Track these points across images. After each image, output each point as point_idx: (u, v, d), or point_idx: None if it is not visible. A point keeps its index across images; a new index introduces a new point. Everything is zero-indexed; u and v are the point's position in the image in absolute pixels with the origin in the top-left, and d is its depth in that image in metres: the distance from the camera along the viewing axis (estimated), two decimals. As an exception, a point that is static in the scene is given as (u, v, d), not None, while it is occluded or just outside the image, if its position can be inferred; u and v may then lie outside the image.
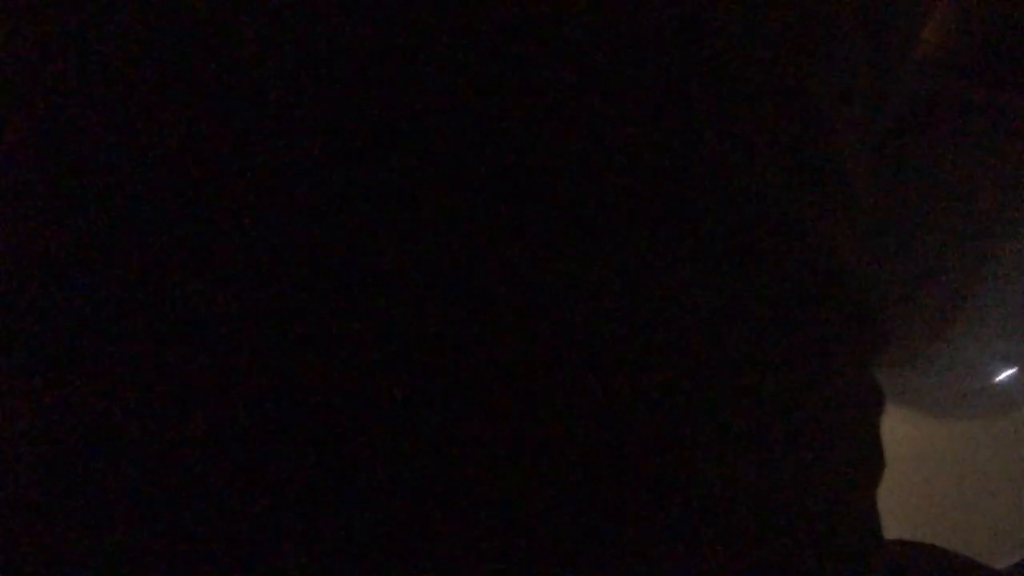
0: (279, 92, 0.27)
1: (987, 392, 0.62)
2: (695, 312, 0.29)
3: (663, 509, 0.28)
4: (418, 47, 0.27)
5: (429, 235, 0.27)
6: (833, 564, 0.32)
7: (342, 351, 0.27)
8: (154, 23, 0.27)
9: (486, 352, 0.27)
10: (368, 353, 0.27)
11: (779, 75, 0.30)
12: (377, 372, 0.27)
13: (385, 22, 0.27)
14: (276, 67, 0.27)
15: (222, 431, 0.27)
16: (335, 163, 0.27)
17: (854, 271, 0.33)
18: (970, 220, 0.51)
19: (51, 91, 0.28)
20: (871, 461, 0.35)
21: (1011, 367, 0.62)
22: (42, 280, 0.28)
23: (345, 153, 0.27)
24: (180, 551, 0.27)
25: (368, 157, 0.27)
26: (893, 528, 0.36)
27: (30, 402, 0.28)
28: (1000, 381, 0.63)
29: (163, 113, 0.27)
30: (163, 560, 0.27)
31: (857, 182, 0.33)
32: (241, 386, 0.27)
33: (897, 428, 0.56)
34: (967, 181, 0.49)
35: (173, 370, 0.27)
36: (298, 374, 0.27)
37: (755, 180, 0.30)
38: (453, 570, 0.27)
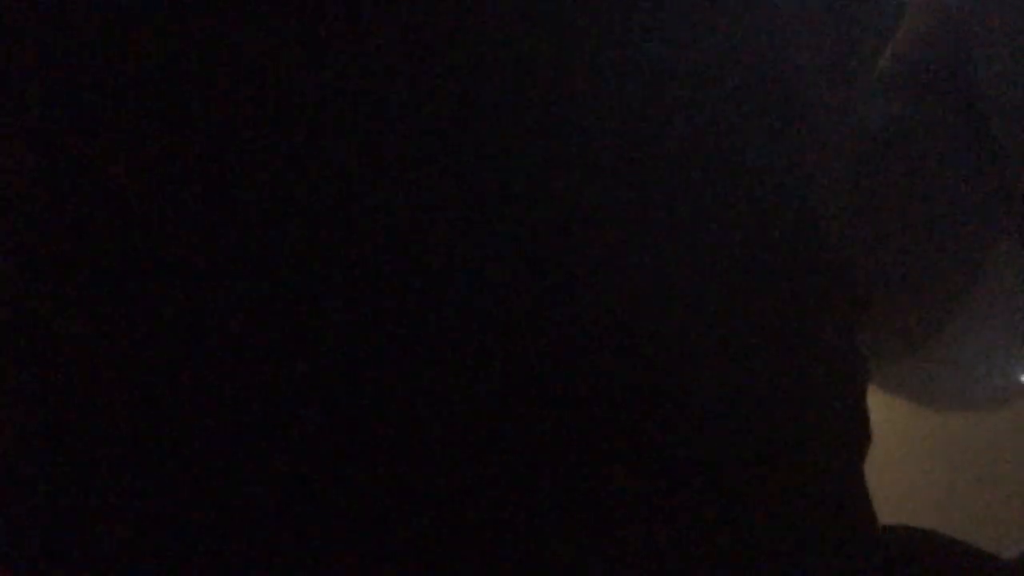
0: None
1: (985, 394, 0.62)
2: (671, 270, 0.29)
3: (641, 483, 0.28)
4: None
5: (426, 232, 0.27)
6: (823, 535, 0.32)
7: (335, 353, 0.27)
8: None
9: (481, 346, 0.27)
10: (369, 353, 0.27)
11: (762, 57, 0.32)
12: (377, 374, 0.27)
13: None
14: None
15: (215, 434, 0.27)
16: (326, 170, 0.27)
17: (829, 227, 0.33)
18: (968, 221, 0.51)
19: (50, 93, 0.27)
20: (856, 430, 0.35)
21: (992, 356, 0.62)
22: (44, 278, 0.28)
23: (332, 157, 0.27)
24: (179, 554, 0.27)
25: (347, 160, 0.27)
26: (893, 519, 0.36)
27: (27, 403, 0.28)
28: (997, 386, 0.63)
29: (160, 114, 0.27)
30: (160, 563, 0.27)
31: (826, 129, 0.34)
32: (234, 388, 0.27)
33: (898, 419, 0.56)
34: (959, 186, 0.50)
35: (168, 371, 0.27)
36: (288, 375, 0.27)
37: (733, 130, 0.30)
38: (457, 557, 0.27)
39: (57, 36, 0.27)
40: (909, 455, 0.57)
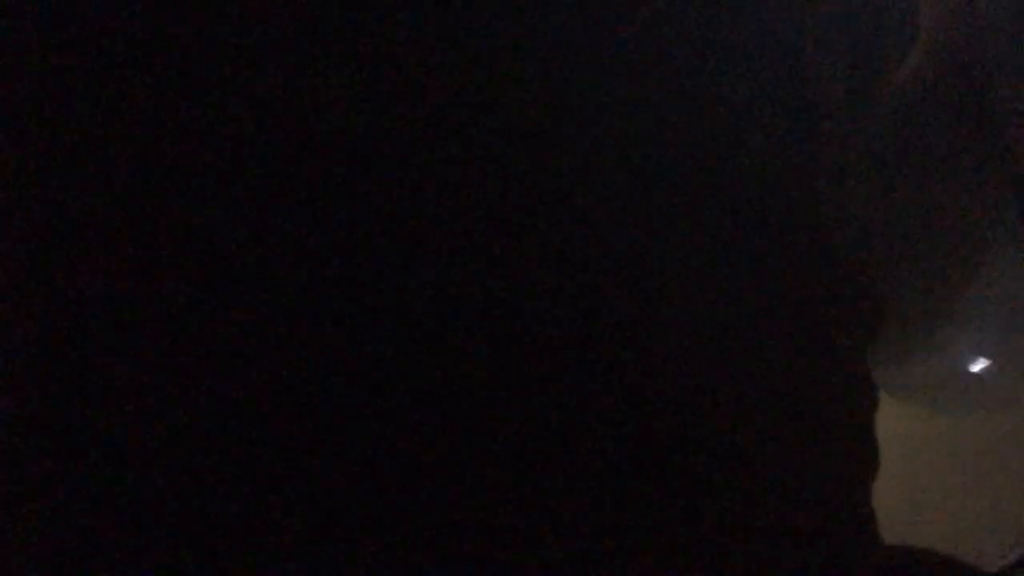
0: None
1: (965, 383, 0.63)
2: (676, 280, 0.29)
3: (654, 503, 0.28)
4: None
5: (432, 228, 0.27)
6: (826, 560, 0.32)
7: (340, 351, 0.26)
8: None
9: (490, 341, 0.27)
10: (371, 351, 0.26)
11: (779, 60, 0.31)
12: (378, 370, 0.26)
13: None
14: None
15: (214, 430, 0.27)
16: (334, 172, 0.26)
17: (846, 239, 0.34)
18: (960, 233, 0.52)
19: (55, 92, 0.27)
20: (866, 456, 0.35)
21: (986, 360, 0.63)
22: (42, 276, 0.27)
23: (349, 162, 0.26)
24: (176, 552, 0.27)
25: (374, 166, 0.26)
26: (883, 521, 0.36)
27: (26, 399, 0.27)
28: (976, 373, 0.64)
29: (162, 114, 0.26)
30: (156, 558, 0.27)
31: (843, 136, 0.35)
32: (234, 385, 0.26)
33: (888, 421, 0.57)
34: (957, 199, 0.50)
35: (169, 368, 0.26)
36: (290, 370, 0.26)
37: (748, 137, 0.30)
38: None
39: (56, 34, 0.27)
40: (893, 456, 0.58)
